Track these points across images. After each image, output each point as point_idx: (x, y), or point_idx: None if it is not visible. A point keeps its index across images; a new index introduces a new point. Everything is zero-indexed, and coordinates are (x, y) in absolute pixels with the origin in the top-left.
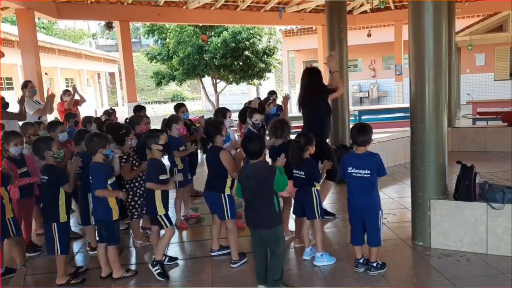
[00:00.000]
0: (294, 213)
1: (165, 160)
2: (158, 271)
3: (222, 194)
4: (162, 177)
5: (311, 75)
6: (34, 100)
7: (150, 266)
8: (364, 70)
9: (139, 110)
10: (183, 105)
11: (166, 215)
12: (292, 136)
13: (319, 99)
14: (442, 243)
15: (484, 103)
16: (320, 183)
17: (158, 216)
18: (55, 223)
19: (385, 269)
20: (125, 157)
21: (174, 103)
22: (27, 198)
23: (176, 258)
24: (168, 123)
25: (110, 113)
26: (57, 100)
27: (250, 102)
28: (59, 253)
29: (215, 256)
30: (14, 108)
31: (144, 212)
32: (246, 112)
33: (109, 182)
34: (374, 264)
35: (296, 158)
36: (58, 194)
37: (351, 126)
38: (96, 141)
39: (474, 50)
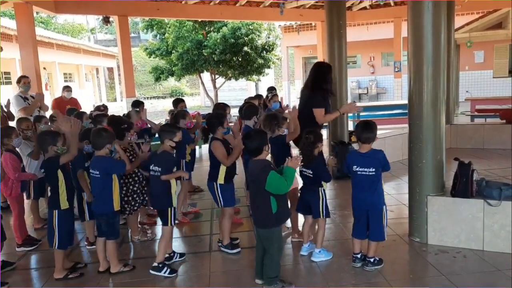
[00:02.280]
0: (298, 210)
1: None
2: (167, 271)
3: (215, 183)
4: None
5: (319, 71)
6: (29, 96)
7: (154, 272)
8: (363, 66)
9: (138, 105)
10: (182, 100)
11: (175, 210)
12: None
13: (313, 100)
14: (439, 240)
15: (482, 100)
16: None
17: (169, 208)
18: (57, 211)
19: (381, 265)
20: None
21: (173, 99)
22: (22, 193)
23: (184, 254)
24: (176, 117)
25: (102, 109)
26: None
27: (250, 98)
28: (56, 247)
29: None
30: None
31: (137, 207)
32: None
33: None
34: (372, 260)
35: (308, 156)
36: (58, 181)
37: (349, 122)
38: (104, 136)
39: (473, 47)
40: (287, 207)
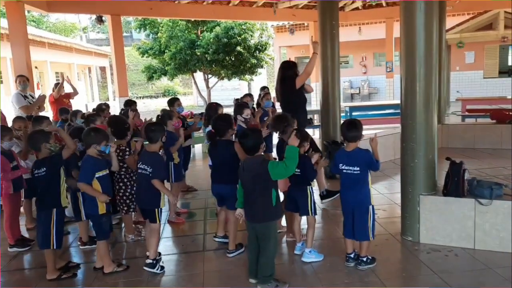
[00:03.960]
0: (286, 208)
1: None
2: (159, 268)
3: (238, 185)
4: None
5: (285, 68)
6: (27, 94)
7: (147, 268)
8: (355, 66)
9: (130, 105)
10: (177, 99)
11: (161, 210)
12: None
13: (291, 92)
14: (431, 238)
15: (473, 101)
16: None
17: (157, 209)
18: (56, 209)
19: (374, 264)
20: (118, 150)
21: (166, 98)
22: (17, 192)
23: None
24: (162, 118)
25: (104, 108)
26: (48, 92)
27: (237, 99)
28: (54, 246)
29: (217, 241)
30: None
31: (133, 207)
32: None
33: (97, 175)
34: (364, 259)
35: None
36: (60, 179)
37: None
38: (92, 136)
39: (464, 47)
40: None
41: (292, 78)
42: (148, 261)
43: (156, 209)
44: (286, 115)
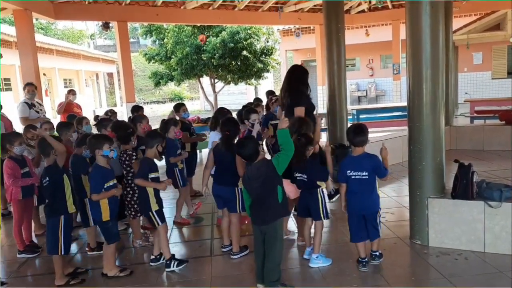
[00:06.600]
0: (299, 214)
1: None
2: (176, 264)
3: (236, 188)
4: (152, 175)
5: (297, 73)
6: (34, 102)
7: (166, 269)
8: (362, 69)
9: (137, 110)
10: (183, 104)
11: (158, 212)
12: None
13: (299, 103)
14: (440, 242)
15: (481, 102)
16: (328, 180)
17: (150, 213)
18: (63, 216)
19: (382, 259)
20: (125, 156)
21: (173, 103)
22: (28, 198)
23: (187, 261)
24: (166, 125)
25: (110, 115)
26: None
27: (250, 103)
28: (62, 252)
29: (226, 252)
30: (9, 108)
31: (140, 213)
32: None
33: (105, 185)
34: (377, 253)
35: (300, 157)
36: (63, 187)
37: (349, 125)
38: (92, 142)
39: (471, 48)
40: (287, 198)
41: (304, 102)
42: (166, 262)
43: (150, 213)
44: (303, 119)
